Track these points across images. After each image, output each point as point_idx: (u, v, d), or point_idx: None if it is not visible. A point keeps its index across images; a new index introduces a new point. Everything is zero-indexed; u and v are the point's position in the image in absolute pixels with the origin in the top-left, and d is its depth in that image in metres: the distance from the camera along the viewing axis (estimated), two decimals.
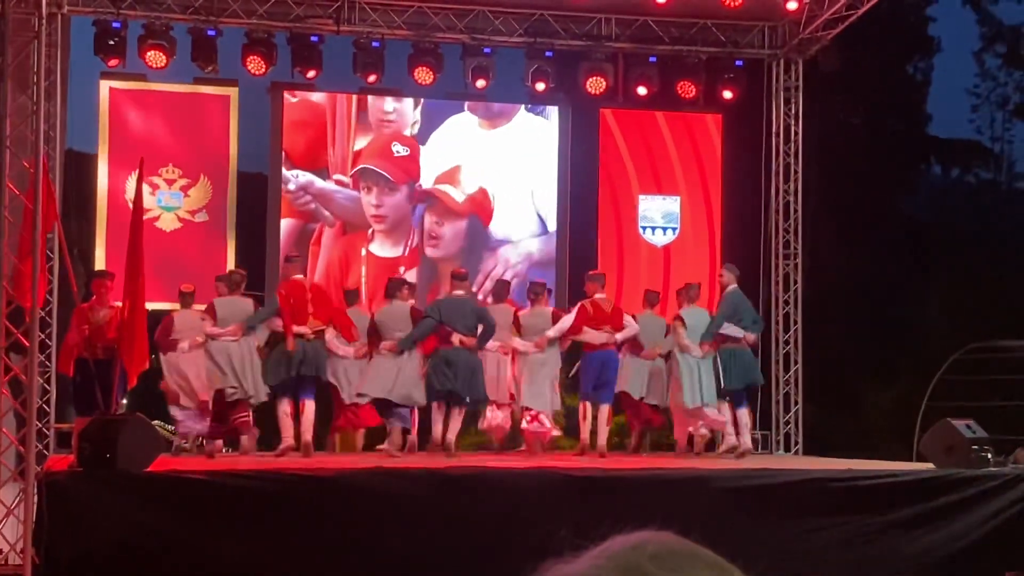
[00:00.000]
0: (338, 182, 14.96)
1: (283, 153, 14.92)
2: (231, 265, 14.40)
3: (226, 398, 11.89)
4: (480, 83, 15.10)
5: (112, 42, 14.18)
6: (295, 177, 14.87)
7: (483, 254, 15.35)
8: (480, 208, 15.37)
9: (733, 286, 13.17)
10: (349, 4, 14.62)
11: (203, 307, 12.46)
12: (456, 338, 12.31)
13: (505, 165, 15.45)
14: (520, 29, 15.13)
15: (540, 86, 15.48)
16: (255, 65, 14.50)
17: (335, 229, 15.00)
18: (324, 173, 15.03)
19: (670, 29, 15.38)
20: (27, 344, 9.72)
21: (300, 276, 12.70)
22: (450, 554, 9.29)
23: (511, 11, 14.98)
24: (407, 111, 15.24)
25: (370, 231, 15.05)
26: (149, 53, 14.23)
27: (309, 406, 12.12)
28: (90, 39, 14.23)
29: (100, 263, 14.16)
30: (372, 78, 14.92)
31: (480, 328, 12.47)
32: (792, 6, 13.89)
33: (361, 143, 15.08)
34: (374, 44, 14.76)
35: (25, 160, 10.10)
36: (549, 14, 15.06)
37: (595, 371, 12.95)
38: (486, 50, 15.05)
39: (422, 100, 15.22)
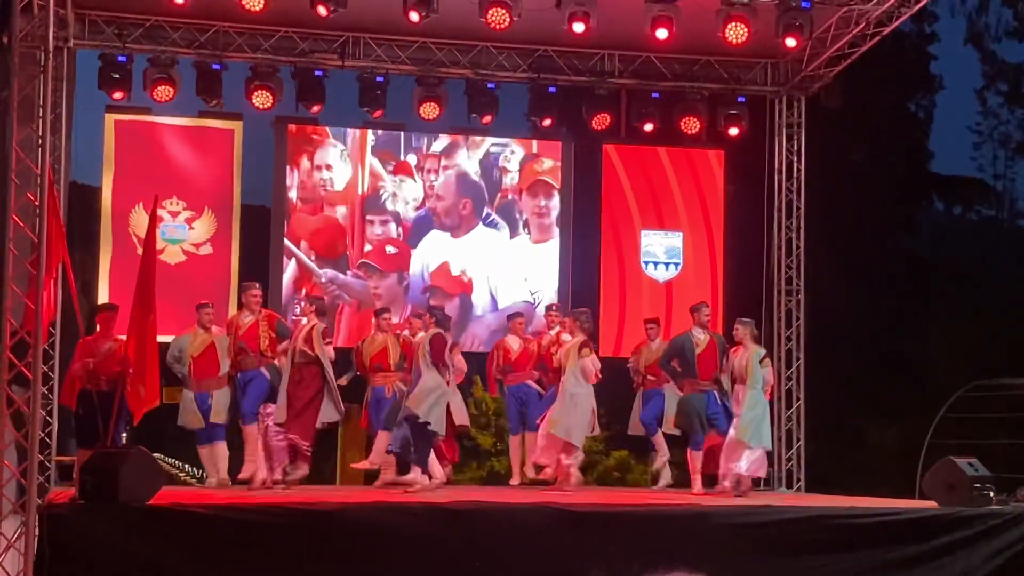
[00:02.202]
0: (354, 275, 15.08)
1: (312, 252, 15.04)
2: (233, 299, 14.43)
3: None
4: (485, 118, 15.18)
5: (117, 76, 14.25)
6: (325, 273, 15.02)
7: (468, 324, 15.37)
8: (466, 288, 15.39)
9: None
10: (354, 39, 14.69)
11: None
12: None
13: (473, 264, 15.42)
14: (523, 64, 15.19)
15: (543, 121, 15.58)
16: (261, 99, 14.57)
17: (352, 307, 15.10)
18: (344, 262, 15.08)
19: (673, 65, 15.44)
20: (30, 376, 9.73)
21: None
22: None
23: (514, 47, 15.05)
24: (392, 229, 15.20)
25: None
26: (154, 87, 14.31)
27: None
28: (95, 72, 14.31)
29: (103, 296, 14.20)
30: (376, 113, 15.00)
31: None
32: (791, 43, 13.98)
33: (368, 246, 15.20)
34: (378, 79, 14.82)
35: (30, 193, 10.12)
36: (552, 50, 15.12)
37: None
38: (490, 85, 15.12)
39: (409, 222, 15.18)
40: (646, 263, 15.96)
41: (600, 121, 15.52)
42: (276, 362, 12.20)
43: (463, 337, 14.75)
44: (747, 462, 12.31)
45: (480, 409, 20.35)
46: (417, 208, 15.29)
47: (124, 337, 11.13)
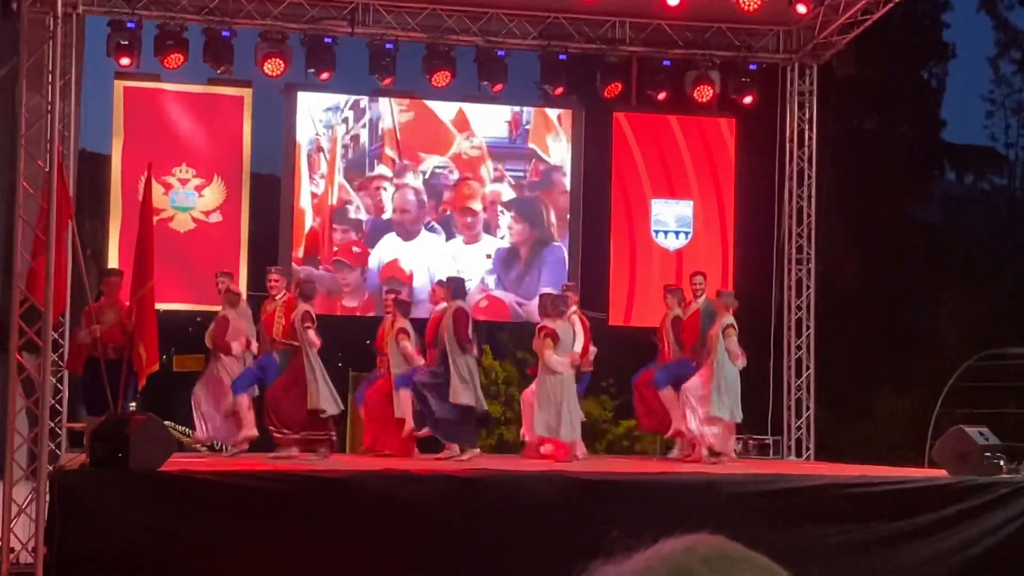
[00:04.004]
0: (325, 269, 15.12)
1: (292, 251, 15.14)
2: (244, 267, 14.44)
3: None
4: (496, 87, 15.12)
5: (126, 42, 14.19)
6: (303, 270, 14.91)
7: None
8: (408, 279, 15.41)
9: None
10: (363, 5, 14.62)
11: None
12: None
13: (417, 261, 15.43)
14: (534, 32, 15.12)
15: (555, 90, 15.51)
16: (273, 66, 14.51)
17: (322, 295, 14.99)
18: (315, 261, 15.17)
19: (684, 33, 15.36)
20: (40, 343, 9.74)
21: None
22: (459, 555, 9.29)
23: (525, 14, 14.98)
24: (352, 236, 15.34)
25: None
26: (164, 54, 14.26)
27: None
28: (104, 39, 14.26)
29: (114, 263, 14.19)
30: (386, 80, 14.95)
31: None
32: (802, 10, 13.87)
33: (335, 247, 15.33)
34: (388, 46, 14.76)
35: (40, 159, 10.12)
36: (563, 17, 15.05)
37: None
38: (500, 53, 15.05)
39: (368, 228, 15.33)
40: (656, 232, 15.92)
41: (611, 89, 15.46)
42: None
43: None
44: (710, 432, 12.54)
45: (489, 378, 20.35)
46: (375, 217, 15.32)
47: (129, 304, 11.12)
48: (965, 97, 34.48)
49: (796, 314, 15.37)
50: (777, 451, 14.93)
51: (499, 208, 15.48)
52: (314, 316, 12.05)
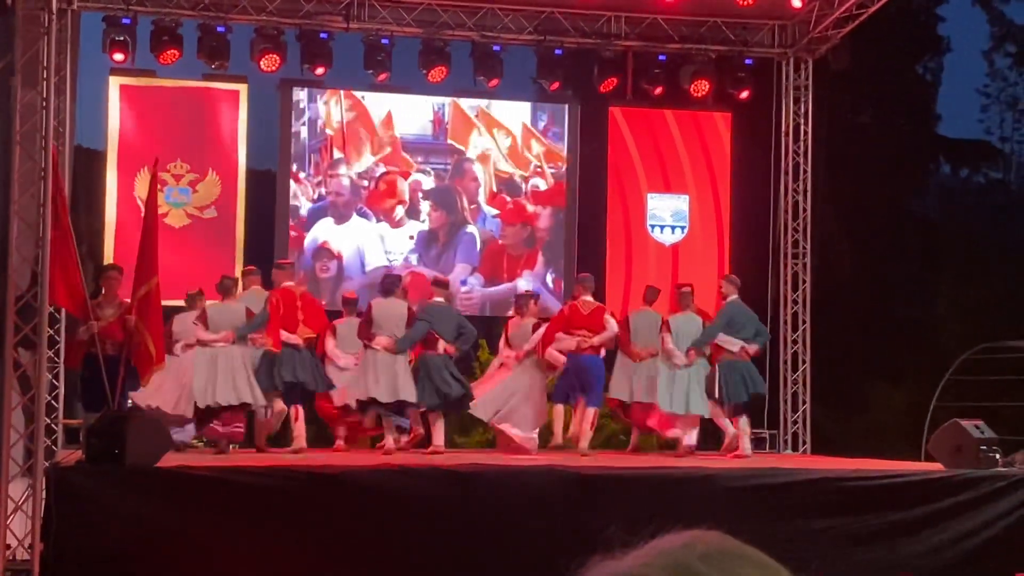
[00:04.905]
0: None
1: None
2: (240, 263, 14.44)
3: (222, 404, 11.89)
4: (491, 82, 15.12)
5: (121, 38, 14.18)
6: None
7: None
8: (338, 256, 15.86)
9: (733, 296, 13.05)
10: (359, 1, 14.61)
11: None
12: (441, 345, 12.40)
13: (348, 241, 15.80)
14: (529, 27, 15.11)
15: (551, 85, 15.51)
16: (268, 62, 14.50)
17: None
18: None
19: (680, 27, 15.37)
20: (36, 339, 9.73)
21: (291, 283, 12.70)
22: (456, 550, 9.29)
23: (520, 8, 14.97)
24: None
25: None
26: (159, 50, 14.24)
27: (299, 413, 12.28)
28: (100, 35, 14.25)
29: (109, 259, 14.17)
30: (382, 76, 14.95)
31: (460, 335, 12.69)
32: (797, 3, 13.87)
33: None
34: (383, 41, 14.76)
35: (35, 156, 10.10)
36: (559, 12, 15.05)
37: (570, 376, 12.96)
38: (495, 48, 15.05)
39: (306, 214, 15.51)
40: (652, 226, 15.93)
41: (607, 84, 15.46)
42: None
43: (339, 291, 15.10)
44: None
45: (486, 373, 20.34)
46: (315, 202, 15.51)
47: (129, 300, 11.10)
48: (960, 91, 34.44)
49: (792, 308, 15.37)
50: (773, 445, 14.95)
51: (420, 195, 15.79)
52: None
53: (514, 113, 16.04)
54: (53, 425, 12.90)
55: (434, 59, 14.90)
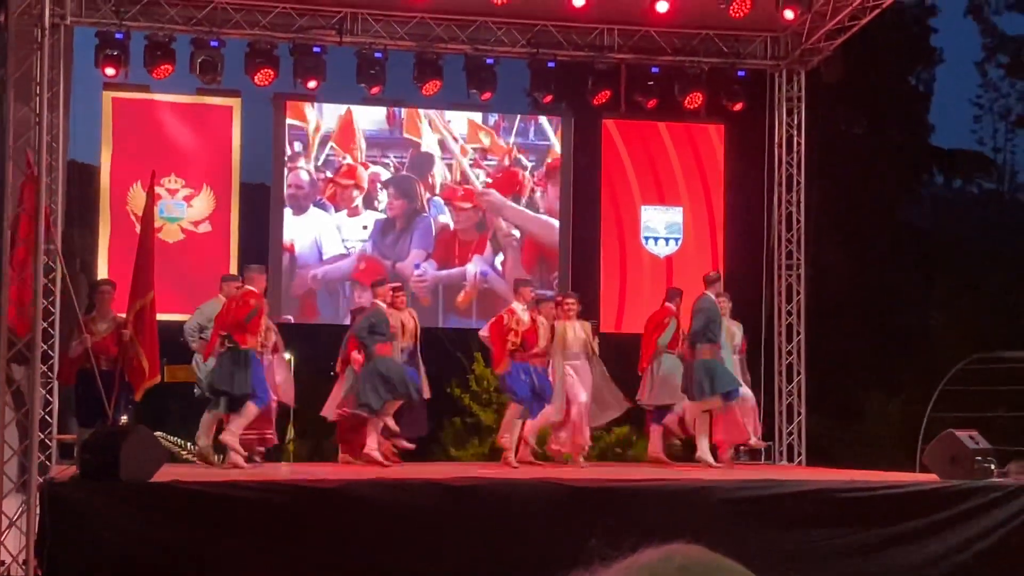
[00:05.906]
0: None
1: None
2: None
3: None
4: (484, 95, 15.13)
5: (114, 53, 14.16)
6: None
7: None
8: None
9: (705, 295, 13.19)
10: (352, 15, 14.63)
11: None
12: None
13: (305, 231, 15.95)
14: (522, 40, 15.13)
15: (544, 98, 15.52)
16: (262, 77, 14.51)
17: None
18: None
19: (672, 40, 15.38)
20: (29, 355, 9.72)
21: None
22: (448, 564, 9.27)
23: (513, 22, 14.99)
24: None
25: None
26: (153, 65, 14.24)
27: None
28: (93, 50, 14.24)
29: (103, 274, 14.15)
30: (374, 89, 14.96)
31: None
32: (789, 16, 13.89)
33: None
34: (376, 55, 14.77)
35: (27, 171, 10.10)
36: (552, 25, 15.06)
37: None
38: (488, 60, 15.06)
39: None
40: (646, 238, 15.94)
41: (600, 96, 15.47)
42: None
43: (295, 281, 15.44)
44: None
45: (481, 385, 20.35)
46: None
47: (123, 315, 11.10)
48: (953, 102, 34.61)
49: (787, 319, 15.38)
50: (768, 456, 14.94)
51: (379, 185, 15.92)
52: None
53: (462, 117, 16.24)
54: (47, 440, 12.88)
55: (428, 72, 14.90)
